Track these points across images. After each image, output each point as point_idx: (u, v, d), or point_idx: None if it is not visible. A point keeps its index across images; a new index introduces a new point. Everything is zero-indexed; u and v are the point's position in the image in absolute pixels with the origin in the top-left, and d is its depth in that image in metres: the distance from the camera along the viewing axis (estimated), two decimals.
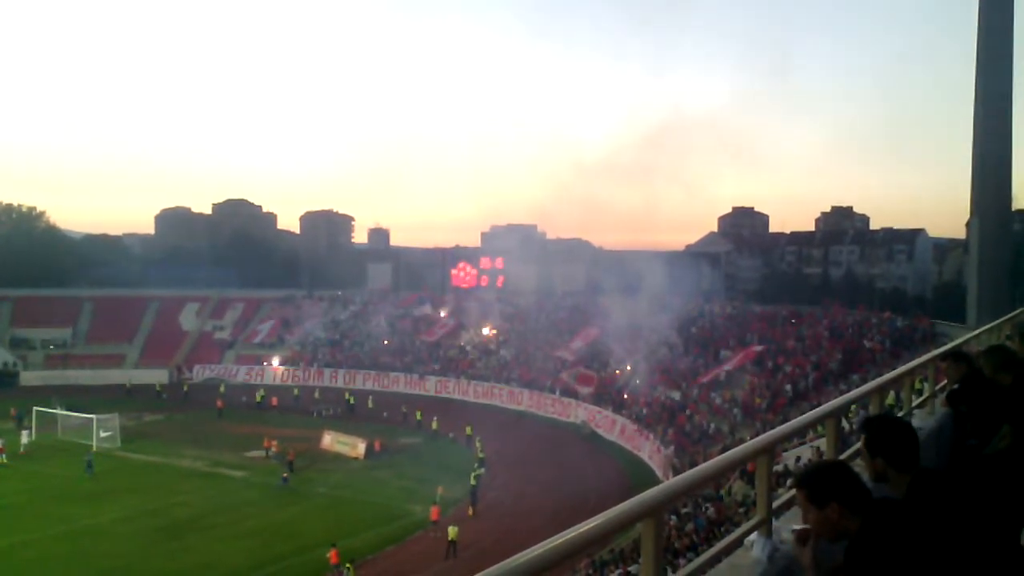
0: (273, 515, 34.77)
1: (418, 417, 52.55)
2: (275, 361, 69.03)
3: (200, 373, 69.00)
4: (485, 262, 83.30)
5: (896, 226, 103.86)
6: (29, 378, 66.43)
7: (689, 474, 3.56)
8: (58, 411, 48.70)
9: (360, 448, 44.68)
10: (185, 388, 63.34)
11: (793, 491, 4.59)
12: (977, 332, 11.82)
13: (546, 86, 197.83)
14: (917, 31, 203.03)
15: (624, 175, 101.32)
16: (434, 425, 49.85)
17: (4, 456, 42.51)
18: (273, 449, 44.01)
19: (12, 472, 40.78)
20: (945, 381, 7.60)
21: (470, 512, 35.07)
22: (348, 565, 27.34)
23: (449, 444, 47.73)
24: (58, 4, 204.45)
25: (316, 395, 59.85)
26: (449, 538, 30.61)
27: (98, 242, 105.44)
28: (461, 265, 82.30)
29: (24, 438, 45.51)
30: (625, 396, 51.03)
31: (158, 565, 29.26)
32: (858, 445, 3.97)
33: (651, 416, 46.40)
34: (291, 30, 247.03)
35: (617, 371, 54.98)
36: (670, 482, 3.40)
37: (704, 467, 3.74)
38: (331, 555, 28.20)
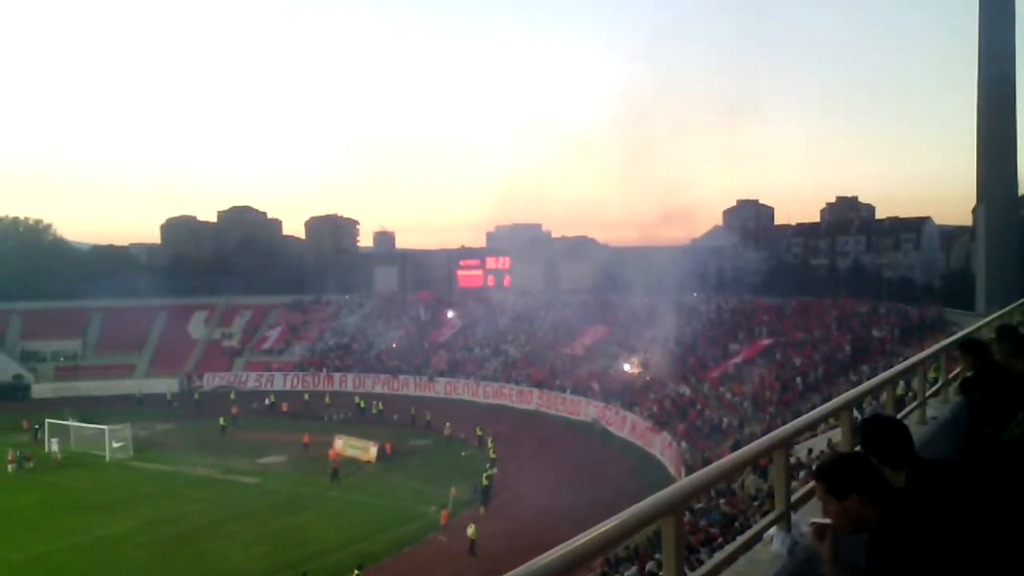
0: (287, 520, 34.81)
1: (428, 419, 52.62)
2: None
3: (210, 381, 69.19)
4: (491, 262, 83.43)
5: (902, 215, 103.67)
6: (40, 390, 66.76)
7: (707, 471, 3.56)
8: (70, 423, 48.91)
9: (372, 452, 44.73)
10: (196, 396, 63.50)
11: (809, 484, 4.61)
12: (989, 319, 11.78)
13: (546, 84, 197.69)
14: (918, 17, 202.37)
15: (628, 169, 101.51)
16: (447, 431, 49.79)
17: (31, 463, 43.54)
18: (334, 462, 42.00)
19: (28, 484, 41.06)
20: (958, 369, 7.59)
21: (482, 511, 35.13)
22: (356, 572, 27.30)
23: (460, 445, 47.77)
24: (60, 15, 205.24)
25: (326, 400, 59.96)
26: (469, 536, 30.70)
27: (105, 253, 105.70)
28: (467, 265, 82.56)
29: (55, 446, 46.08)
30: (636, 392, 50.99)
31: (174, 573, 29.37)
32: None
33: (662, 412, 46.37)
34: (290, 36, 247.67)
35: (626, 367, 54.96)
36: (688, 479, 3.40)
37: (721, 463, 3.74)
38: None
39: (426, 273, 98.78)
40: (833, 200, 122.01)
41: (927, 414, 6.88)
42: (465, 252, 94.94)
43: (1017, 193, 55.50)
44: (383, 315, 76.82)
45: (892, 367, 7.34)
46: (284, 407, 58.60)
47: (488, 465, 40.61)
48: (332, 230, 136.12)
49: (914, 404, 6.94)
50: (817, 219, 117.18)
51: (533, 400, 57.33)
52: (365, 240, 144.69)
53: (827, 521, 3.31)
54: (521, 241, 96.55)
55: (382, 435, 47.75)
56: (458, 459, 44.38)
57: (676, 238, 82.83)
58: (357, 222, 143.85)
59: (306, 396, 61.70)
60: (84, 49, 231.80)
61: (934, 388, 7.80)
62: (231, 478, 41.75)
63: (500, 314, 70.45)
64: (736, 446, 32.18)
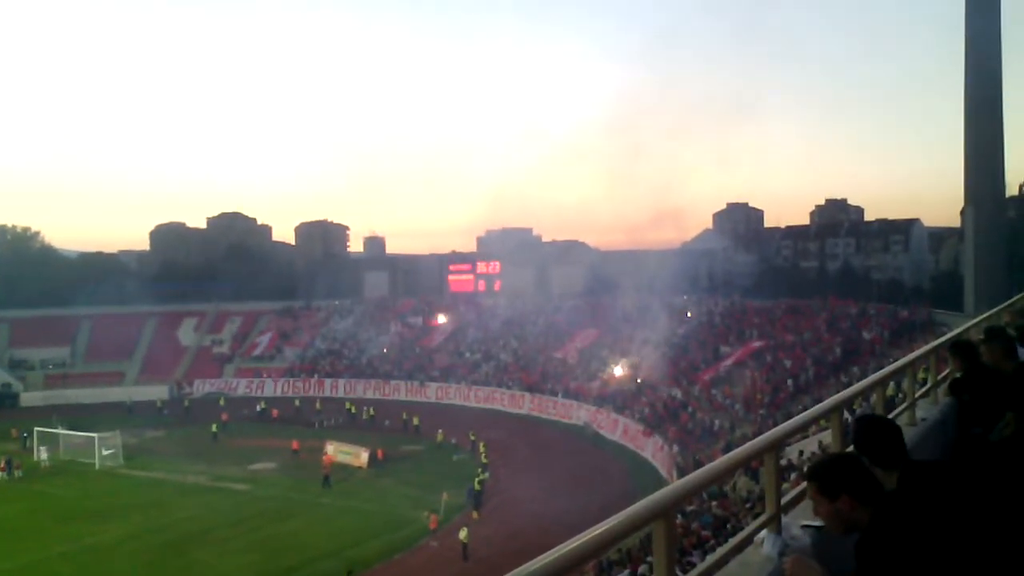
0: (278, 527, 34.67)
1: (415, 423, 52.52)
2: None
3: (200, 388, 68.93)
4: (482, 266, 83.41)
5: (891, 217, 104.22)
6: (29, 398, 66.44)
7: (698, 474, 3.56)
8: (60, 431, 48.65)
9: (363, 457, 44.64)
10: (186, 404, 63.21)
11: (800, 486, 4.61)
12: (977, 320, 11.86)
13: (536, 88, 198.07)
14: (905, 20, 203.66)
15: (619, 173, 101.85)
16: (439, 437, 49.50)
17: (20, 472, 43.58)
18: (326, 468, 41.70)
19: (16, 492, 40.80)
20: (948, 370, 7.62)
21: (475, 516, 35.08)
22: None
23: (452, 450, 47.70)
24: (48, 24, 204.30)
25: (317, 406, 59.75)
26: (462, 541, 30.66)
27: (93, 260, 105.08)
28: (458, 270, 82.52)
29: (44, 454, 46.04)
30: (627, 396, 51.02)
31: None
32: None
33: (653, 415, 46.41)
34: (279, 41, 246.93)
35: (618, 371, 54.98)
36: (679, 483, 3.40)
37: (712, 466, 3.75)
38: None
39: (417, 278, 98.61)
40: (822, 202, 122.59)
41: (917, 415, 6.90)
42: (456, 257, 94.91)
43: (1005, 194, 55.89)
44: (374, 320, 76.66)
45: (882, 368, 7.36)
46: (275, 413, 58.50)
47: (480, 470, 40.57)
48: (322, 236, 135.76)
49: (904, 405, 6.96)
50: (807, 221, 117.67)
51: (525, 404, 57.31)
52: (355, 245, 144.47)
53: (818, 523, 3.31)
54: (512, 245, 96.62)
55: (373, 441, 47.68)
56: (450, 464, 44.36)
57: (666, 241, 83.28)
58: (347, 227, 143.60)
59: (297, 402, 61.53)
60: (72, 56, 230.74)
61: (924, 389, 7.82)
62: (221, 485, 41.56)
63: (491, 319, 70.41)
64: (727, 448, 32.23)
